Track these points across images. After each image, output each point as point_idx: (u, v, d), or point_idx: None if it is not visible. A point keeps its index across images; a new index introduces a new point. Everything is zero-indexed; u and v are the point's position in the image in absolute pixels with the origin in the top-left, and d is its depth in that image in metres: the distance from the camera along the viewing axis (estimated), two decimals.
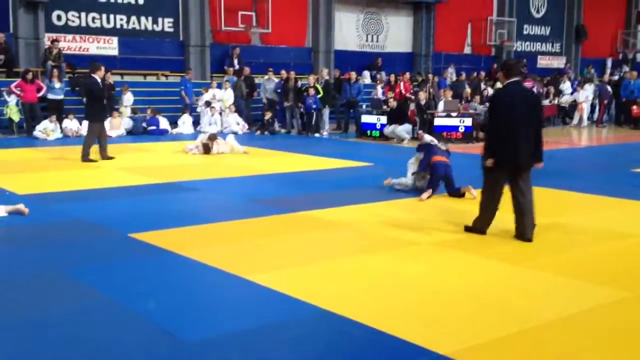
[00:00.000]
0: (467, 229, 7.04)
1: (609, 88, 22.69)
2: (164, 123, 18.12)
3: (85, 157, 12.45)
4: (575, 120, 22.15)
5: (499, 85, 17.71)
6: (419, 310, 4.78)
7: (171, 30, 20.80)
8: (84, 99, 12.77)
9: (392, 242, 6.70)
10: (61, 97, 17.54)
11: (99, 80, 12.83)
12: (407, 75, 20.86)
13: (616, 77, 23.83)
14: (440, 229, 7.29)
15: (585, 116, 22.20)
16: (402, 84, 19.87)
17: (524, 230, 6.71)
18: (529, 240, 6.63)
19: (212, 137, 13.94)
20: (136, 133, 17.81)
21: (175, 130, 18.36)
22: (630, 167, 12.09)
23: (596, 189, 9.73)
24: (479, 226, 6.93)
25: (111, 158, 12.60)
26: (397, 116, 16.84)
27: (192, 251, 6.20)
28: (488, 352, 4.08)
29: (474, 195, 8.66)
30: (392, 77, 20.40)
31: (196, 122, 18.93)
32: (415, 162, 9.58)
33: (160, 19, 20.58)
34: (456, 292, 5.18)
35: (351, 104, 19.26)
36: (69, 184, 10.04)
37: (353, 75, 19.92)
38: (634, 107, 21.33)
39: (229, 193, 9.60)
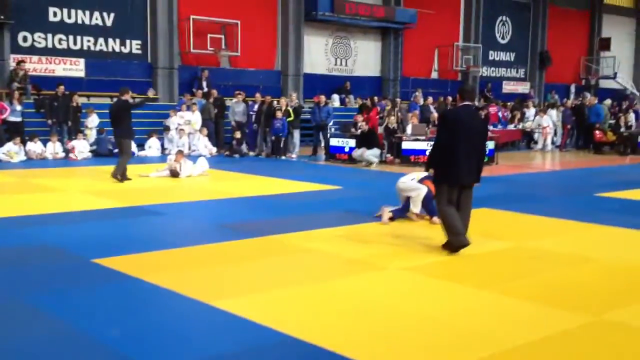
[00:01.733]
0: (445, 247, 7.21)
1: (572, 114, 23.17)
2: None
3: (124, 176, 12.79)
4: (539, 145, 22.53)
5: None
6: (385, 337, 4.75)
7: (139, 52, 20.70)
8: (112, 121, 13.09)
9: (360, 267, 6.67)
10: (20, 119, 17.29)
11: (130, 101, 13.22)
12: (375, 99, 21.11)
13: (578, 102, 24.33)
14: (409, 253, 7.29)
15: (549, 141, 22.61)
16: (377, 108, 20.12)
17: (453, 241, 7.13)
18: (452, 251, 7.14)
19: (180, 153, 13.88)
20: (102, 155, 17.60)
21: (141, 153, 18.20)
22: (594, 192, 12.29)
23: (560, 213, 9.86)
24: (455, 241, 7.08)
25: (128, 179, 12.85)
26: (366, 140, 16.92)
27: (157, 277, 6.09)
28: None
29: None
30: (369, 101, 20.60)
31: (163, 146, 18.81)
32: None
33: (128, 41, 20.48)
34: (423, 318, 5.16)
35: (320, 127, 19.33)
36: (31, 208, 9.83)
37: (322, 98, 20.03)
38: (597, 132, 21.80)
39: (195, 217, 9.50)
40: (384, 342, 4.64)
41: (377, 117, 19.66)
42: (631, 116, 23.55)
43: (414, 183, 9.11)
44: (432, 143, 16.47)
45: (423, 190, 8.94)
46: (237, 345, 4.56)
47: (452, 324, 5.04)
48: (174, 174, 13.45)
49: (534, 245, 7.75)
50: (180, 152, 14.15)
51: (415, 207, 9.06)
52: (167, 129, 18.98)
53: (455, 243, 7.07)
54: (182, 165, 13.61)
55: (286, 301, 5.55)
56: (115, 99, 13.28)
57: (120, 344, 4.53)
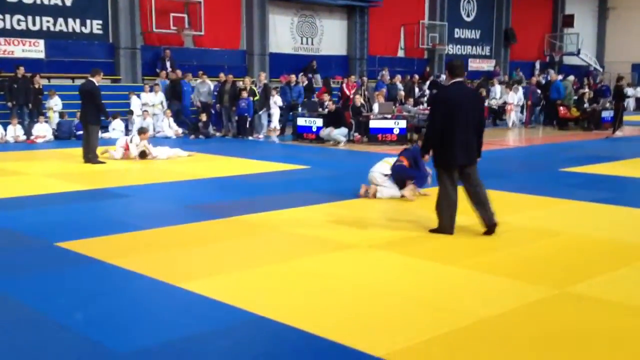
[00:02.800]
0: (433, 230, 7.13)
1: (538, 90, 23.40)
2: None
3: (95, 159, 12.64)
4: (509, 122, 22.69)
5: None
6: (354, 313, 4.76)
7: (100, 32, 20.28)
8: (81, 102, 12.76)
9: (329, 245, 6.66)
10: None
11: (97, 84, 13.00)
12: (352, 77, 21.09)
13: (543, 80, 24.59)
14: (378, 230, 7.31)
15: (516, 118, 22.81)
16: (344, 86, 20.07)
17: (490, 218, 6.97)
18: (496, 224, 6.95)
19: (142, 131, 13.69)
20: (63, 138, 17.27)
21: (105, 135, 17.89)
22: (558, 167, 12.46)
23: (526, 189, 9.97)
24: (443, 226, 7.04)
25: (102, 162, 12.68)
26: (333, 119, 16.87)
27: (122, 259, 6.00)
28: (422, 352, 4.09)
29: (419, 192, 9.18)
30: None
31: (127, 127, 18.52)
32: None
33: (88, 21, 20.03)
34: (391, 294, 5.18)
35: (292, 106, 19.21)
36: None
37: (293, 78, 19.92)
38: (561, 108, 22.07)
39: (161, 199, 9.39)
40: (354, 319, 4.65)
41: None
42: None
43: (387, 182, 9.20)
44: (398, 122, 16.81)
45: (393, 190, 9.11)
46: (205, 326, 4.52)
47: (422, 299, 5.07)
48: (143, 155, 13.26)
49: (500, 221, 7.81)
50: (142, 130, 13.91)
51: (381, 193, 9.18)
52: (131, 112, 18.66)
53: (444, 230, 7.04)
54: (152, 147, 13.46)
55: (254, 281, 5.52)
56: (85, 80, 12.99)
57: (86, 327, 4.45)
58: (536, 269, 5.94)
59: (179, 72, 19.61)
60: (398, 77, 22.65)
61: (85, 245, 6.50)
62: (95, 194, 9.68)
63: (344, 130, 16.73)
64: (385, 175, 9.22)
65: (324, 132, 16.93)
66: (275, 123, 19.77)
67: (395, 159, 9.40)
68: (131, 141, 13.59)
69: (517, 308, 4.87)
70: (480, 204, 6.97)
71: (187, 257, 6.27)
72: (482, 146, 7.09)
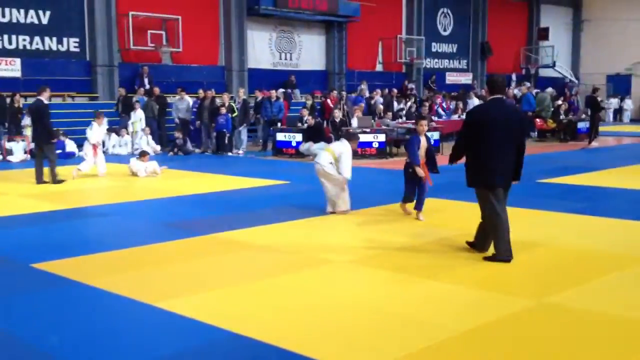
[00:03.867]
0: (488, 259, 6.56)
1: (513, 102, 23.65)
2: (70, 146, 17.47)
3: (56, 179, 12.29)
4: None
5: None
6: (332, 330, 4.74)
7: (77, 50, 20.17)
8: (32, 122, 12.60)
9: (308, 261, 6.65)
10: None
11: (45, 102, 12.75)
12: (335, 92, 21.25)
13: (518, 93, 24.86)
14: (358, 245, 7.31)
15: None
16: (329, 100, 20.20)
17: (483, 245, 6.74)
18: (480, 251, 6.73)
19: (143, 154, 13.72)
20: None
21: (82, 153, 17.71)
22: (536, 178, 12.57)
23: None
24: (500, 251, 6.49)
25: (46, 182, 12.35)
26: (312, 134, 16.90)
27: (99, 280, 5.94)
28: None
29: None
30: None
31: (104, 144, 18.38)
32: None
33: (65, 39, 19.92)
34: (370, 309, 5.18)
35: (272, 122, 19.22)
36: None
37: (274, 93, 19.94)
38: (538, 120, 22.31)
39: (140, 217, 9.31)
40: (333, 336, 4.63)
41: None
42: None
43: (333, 171, 8.93)
44: (377, 136, 16.85)
45: (340, 179, 8.94)
46: (183, 346, 4.48)
47: (401, 314, 5.07)
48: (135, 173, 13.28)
49: (473, 233, 7.86)
50: (143, 153, 13.94)
51: (345, 205, 9.01)
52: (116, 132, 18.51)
53: (503, 255, 6.46)
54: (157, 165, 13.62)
55: (233, 299, 5.49)
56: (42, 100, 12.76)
57: (60, 350, 4.39)
58: (514, 280, 5.98)
59: (156, 89, 19.56)
60: (378, 91, 22.80)
61: (62, 266, 6.43)
62: (72, 213, 9.58)
63: (323, 144, 16.71)
64: (331, 163, 8.98)
65: (304, 147, 16.89)
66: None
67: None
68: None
69: (495, 320, 4.89)
70: (487, 234, 6.66)
71: (165, 275, 6.22)
72: (521, 167, 6.63)
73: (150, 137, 18.42)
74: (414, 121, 19.23)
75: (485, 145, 6.39)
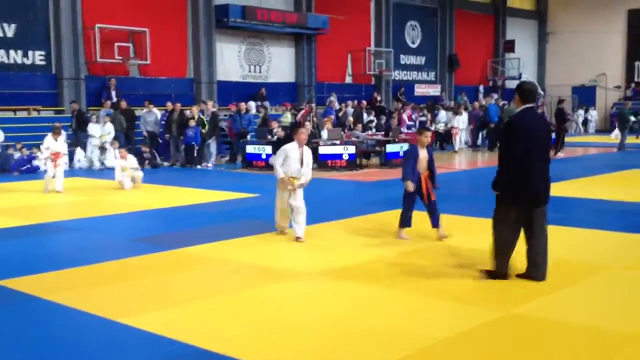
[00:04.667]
0: (487, 273, 6.34)
1: (481, 113, 23.92)
2: (36, 160, 17.16)
3: None
4: (456, 146, 23.00)
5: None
6: (303, 343, 4.70)
7: (43, 63, 19.85)
8: None
9: (278, 275, 6.60)
10: None
11: None
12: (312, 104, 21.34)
13: (484, 103, 25.17)
14: (329, 257, 7.27)
15: (463, 140, 23.21)
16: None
17: (539, 274, 6.19)
18: (537, 280, 6.15)
19: (122, 149, 14.06)
20: (5, 172, 16.77)
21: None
22: None
23: (473, 211, 10.10)
24: (497, 270, 6.25)
25: None
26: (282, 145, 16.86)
27: (65, 296, 5.82)
28: None
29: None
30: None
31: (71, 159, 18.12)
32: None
33: (30, 52, 19.59)
34: (340, 323, 5.14)
35: (241, 134, 19.14)
36: None
37: (243, 106, 19.87)
38: None
39: (108, 232, 9.16)
40: (300, 349, 4.59)
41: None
42: None
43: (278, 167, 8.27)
44: (347, 147, 16.89)
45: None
46: None
47: (372, 327, 5.04)
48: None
49: (448, 244, 7.90)
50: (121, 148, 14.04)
51: (300, 231, 8.08)
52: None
53: (497, 275, 6.25)
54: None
55: (199, 314, 5.41)
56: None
57: None
58: (483, 291, 6.00)
59: (123, 103, 19.35)
60: (348, 103, 22.90)
61: (27, 283, 6.28)
62: (39, 228, 9.40)
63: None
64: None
65: (274, 159, 16.89)
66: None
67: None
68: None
69: (464, 332, 4.89)
70: (535, 260, 6.18)
71: (131, 291, 6.12)
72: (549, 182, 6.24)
73: (117, 151, 18.16)
74: (383, 133, 19.38)
75: (526, 159, 5.92)
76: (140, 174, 13.79)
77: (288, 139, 17.14)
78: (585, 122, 34.77)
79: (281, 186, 8.28)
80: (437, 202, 8.30)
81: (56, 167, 12.93)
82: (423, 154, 8.22)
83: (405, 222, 8.23)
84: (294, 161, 8.22)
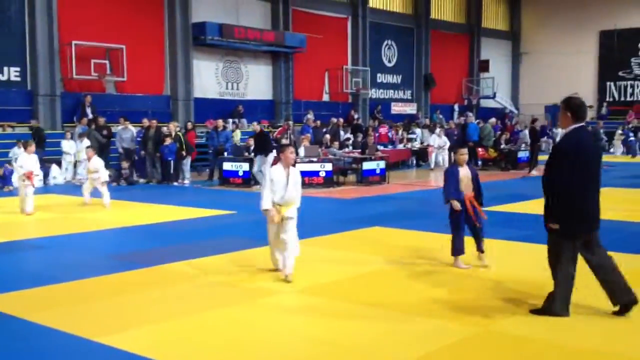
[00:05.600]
0: (537, 311, 5.74)
1: (456, 132, 24.18)
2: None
3: None
4: (431, 164, 23.16)
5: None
6: None
7: (18, 79, 19.70)
8: None
9: (255, 292, 6.59)
10: None
11: None
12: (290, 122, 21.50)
13: (462, 122, 25.46)
14: (306, 275, 7.26)
15: (440, 159, 23.37)
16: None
17: (626, 293, 5.60)
18: (635, 302, 5.56)
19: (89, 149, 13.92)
20: None
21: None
22: None
23: (447, 229, 10.17)
24: (557, 308, 5.64)
25: None
26: (259, 142, 16.98)
27: (38, 315, 5.75)
28: None
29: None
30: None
31: (46, 175, 17.94)
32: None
33: (6, 68, 19.43)
34: (318, 340, 5.15)
35: (218, 151, 19.12)
36: None
37: (220, 123, 19.87)
38: (480, 149, 22.83)
39: (82, 249, 9.07)
40: None
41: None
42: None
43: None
44: (324, 165, 16.97)
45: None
46: None
47: (349, 346, 5.05)
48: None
49: (423, 261, 7.95)
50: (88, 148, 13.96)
51: (289, 268, 7.00)
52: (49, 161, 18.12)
53: (557, 312, 5.63)
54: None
55: (175, 332, 5.38)
56: None
57: None
58: (459, 308, 6.04)
59: (101, 120, 19.23)
60: (333, 120, 23.21)
61: (1, 301, 6.19)
62: (12, 246, 9.27)
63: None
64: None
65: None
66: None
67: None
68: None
69: (441, 348, 4.92)
70: (610, 278, 5.64)
71: (107, 309, 6.06)
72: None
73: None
74: (360, 150, 19.48)
75: (582, 183, 5.47)
76: (100, 177, 13.23)
77: (264, 135, 17.22)
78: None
79: (268, 219, 7.15)
80: (412, 219, 8.35)
81: (26, 188, 12.30)
82: (464, 172, 7.67)
83: (457, 250, 7.58)
84: (279, 186, 7.02)
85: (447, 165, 22.87)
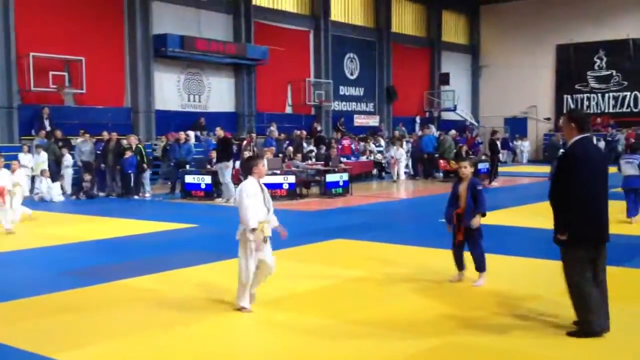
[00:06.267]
0: (574, 334, 5.48)
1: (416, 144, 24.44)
2: None
3: None
4: (394, 176, 23.27)
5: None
6: None
7: None
8: None
9: (216, 307, 6.48)
10: None
11: None
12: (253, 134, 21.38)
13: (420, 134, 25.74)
14: (266, 289, 7.18)
15: (400, 170, 23.53)
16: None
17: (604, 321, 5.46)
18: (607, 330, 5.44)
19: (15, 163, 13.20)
20: None
21: None
22: (439, 217, 12.86)
23: (409, 240, 10.23)
24: (593, 325, 5.40)
25: None
26: (221, 147, 16.81)
27: None
28: None
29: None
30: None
31: None
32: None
33: None
34: (279, 355, 5.08)
35: (180, 164, 18.92)
36: None
37: (182, 135, 19.68)
38: (441, 161, 23.07)
39: (34, 265, 8.84)
40: None
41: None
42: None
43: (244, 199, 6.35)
44: (287, 177, 16.91)
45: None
46: None
47: (307, 357, 5.00)
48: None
49: (384, 273, 7.94)
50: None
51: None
52: None
53: (595, 327, 5.40)
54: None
55: (133, 350, 5.26)
56: None
57: None
58: (421, 319, 6.03)
59: (58, 132, 18.89)
60: (298, 132, 23.20)
61: None
62: None
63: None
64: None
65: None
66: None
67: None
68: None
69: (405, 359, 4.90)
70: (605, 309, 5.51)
71: (61, 326, 5.90)
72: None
73: (49, 180, 17.67)
74: (323, 162, 19.49)
75: (594, 192, 5.46)
76: (19, 190, 12.59)
77: (227, 141, 17.00)
78: (514, 152, 35.75)
79: (255, 242, 6.30)
80: (375, 230, 8.35)
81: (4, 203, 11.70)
82: (463, 186, 7.32)
83: (456, 264, 7.46)
84: (258, 200, 6.38)
85: (403, 177, 23.10)
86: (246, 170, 6.50)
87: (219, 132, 17.15)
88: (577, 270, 5.44)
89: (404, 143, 24.62)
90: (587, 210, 5.40)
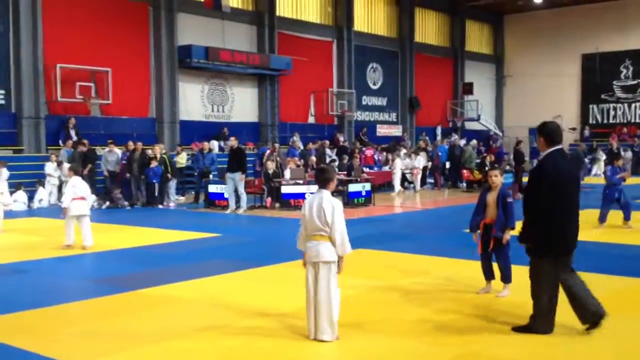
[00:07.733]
0: (519, 329, 5.85)
1: (439, 154, 24.37)
2: None
3: None
4: (417, 186, 23.22)
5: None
6: None
7: (2, 102, 19.62)
8: None
9: (242, 315, 6.54)
10: None
11: None
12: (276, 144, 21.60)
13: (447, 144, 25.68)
14: (290, 299, 7.24)
15: (417, 181, 23.42)
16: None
17: (594, 311, 5.71)
18: (603, 316, 5.68)
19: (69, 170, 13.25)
20: None
21: (7, 208, 17.09)
22: (462, 228, 12.83)
23: (432, 250, 10.22)
24: (541, 326, 5.75)
25: None
26: (234, 157, 16.78)
27: (17, 339, 5.68)
28: None
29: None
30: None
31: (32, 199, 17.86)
32: None
33: None
34: None
35: (204, 173, 19.11)
36: None
37: (206, 145, 19.88)
38: (464, 171, 22.98)
39: (63, 273, 8.99)
40: None
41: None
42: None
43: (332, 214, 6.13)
44: (310, 187, 16.98)
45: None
46: None
47: None
48: None
49: (406, 283, 7.95)
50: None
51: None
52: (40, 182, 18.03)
53: (540, 328, 5.75)
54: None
55: (163, 357, 5.33)
56: None
57: None
58: (441, 329, 6.03)
59: (85, 142, 19.18)
60: (316, 142, 23.37)
61: None
62: None
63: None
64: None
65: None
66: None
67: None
68: None
69: None
70: (577, 297, 5.75)
71: (88, 334, 6.00)
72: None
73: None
74: (345, 172, 19.53)
75: (565, 205, 5.60)
76: (4, 200, 12.92)
77: (240, 151, 17.00)
78: None
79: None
80: (397, 241, 8.35)
81: None
82: (492, 196, 7.28)
83: (484, 274, 7.41)
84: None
85: (418, 187, 22.99)
86: (323, 182, 6.18)
87: (233, 142, 17.18)
88: (545, 281, 5.67)
89: (425, 154, 24.57)
90: (551, 224, 5.54)
